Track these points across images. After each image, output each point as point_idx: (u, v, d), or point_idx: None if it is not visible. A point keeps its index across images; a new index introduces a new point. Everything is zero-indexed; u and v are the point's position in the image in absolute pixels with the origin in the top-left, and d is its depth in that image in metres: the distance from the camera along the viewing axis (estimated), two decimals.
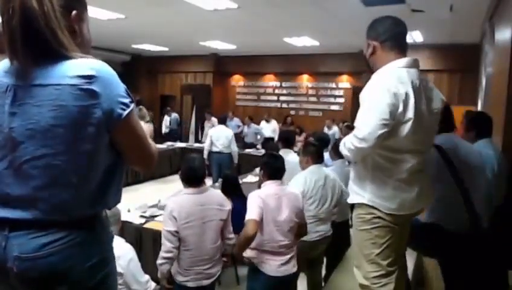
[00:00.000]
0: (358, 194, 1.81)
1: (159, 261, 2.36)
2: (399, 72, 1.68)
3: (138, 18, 6.56)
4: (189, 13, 5.91)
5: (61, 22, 1.00)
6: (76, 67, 0.98)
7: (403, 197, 1.73)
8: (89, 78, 0.97)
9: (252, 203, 2.42)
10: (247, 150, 8.23)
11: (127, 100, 1.03)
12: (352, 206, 1.90)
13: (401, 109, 1.62)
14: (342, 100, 10.04)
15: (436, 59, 7.99)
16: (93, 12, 5.99)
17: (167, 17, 6.38)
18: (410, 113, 1.63)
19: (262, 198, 2.41)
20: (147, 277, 2.27)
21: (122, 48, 10.73)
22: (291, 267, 2.51)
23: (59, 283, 1.01)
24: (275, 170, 2.57)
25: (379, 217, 1.75)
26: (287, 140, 4.28)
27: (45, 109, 0.96)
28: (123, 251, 2.12)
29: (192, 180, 2.48)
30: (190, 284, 2.40)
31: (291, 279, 2.55)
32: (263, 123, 9.39)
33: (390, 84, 1.62)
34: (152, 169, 1.22)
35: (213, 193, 2.58)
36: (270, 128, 9.12)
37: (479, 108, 5.86)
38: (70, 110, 0.96)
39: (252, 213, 2.37)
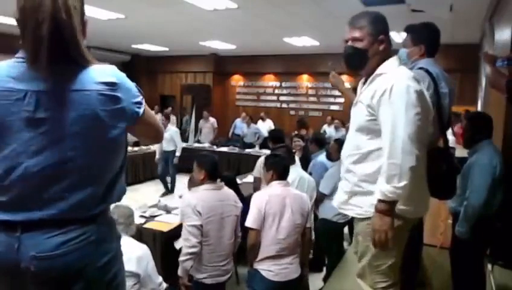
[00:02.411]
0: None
1: (182, 258, 2.38)
2: (404, 70, 1.61)
3: (138, 18, 6.55)
4: (189, 13, 5.91)
5: (82, 33, 1.06)
6: (99, 74, 1.04)
7: (427, 196, 1.69)
8: (112, 84, 1.05)
9: (254, 206, 2.39)
10: (247, 150, 8.21)
11: (140, 98, 1.12)
12: None
13: (428, 104, 1.60)
14: (341, 100, 9.99)
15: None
16: (93, 12, 5.98)
17: (167, 17, 6.37)
18: (431, 106, 1.64)
19: (267, 200, 2.37)
20: (160, 278, 2.30)
21: (122, 48, 10.73)
22: (294, 272, 2.43)
23: (76, 281, 1.04)
24: (284, 169, 2.55)
25: (399, 227, 1.56)
26: (277, 139, 4.18)
27: (74, 114, 1.00)
28: (142, 252, 2.16)
29: (215, 175, 2.60)
30: (207, 281, 2.42)
31: (294, 283, 2.45)
32: (259, 122, 9.42)
33: (409, 84, 1.51)
34: (161, 141, 1.49)
35: (228, 191, 2.66)
36: (265, 128, 9.10)
37: (479, 108, 5.86)
38: (99, 114, 1.02)
39: (251, 221, 2.36)
